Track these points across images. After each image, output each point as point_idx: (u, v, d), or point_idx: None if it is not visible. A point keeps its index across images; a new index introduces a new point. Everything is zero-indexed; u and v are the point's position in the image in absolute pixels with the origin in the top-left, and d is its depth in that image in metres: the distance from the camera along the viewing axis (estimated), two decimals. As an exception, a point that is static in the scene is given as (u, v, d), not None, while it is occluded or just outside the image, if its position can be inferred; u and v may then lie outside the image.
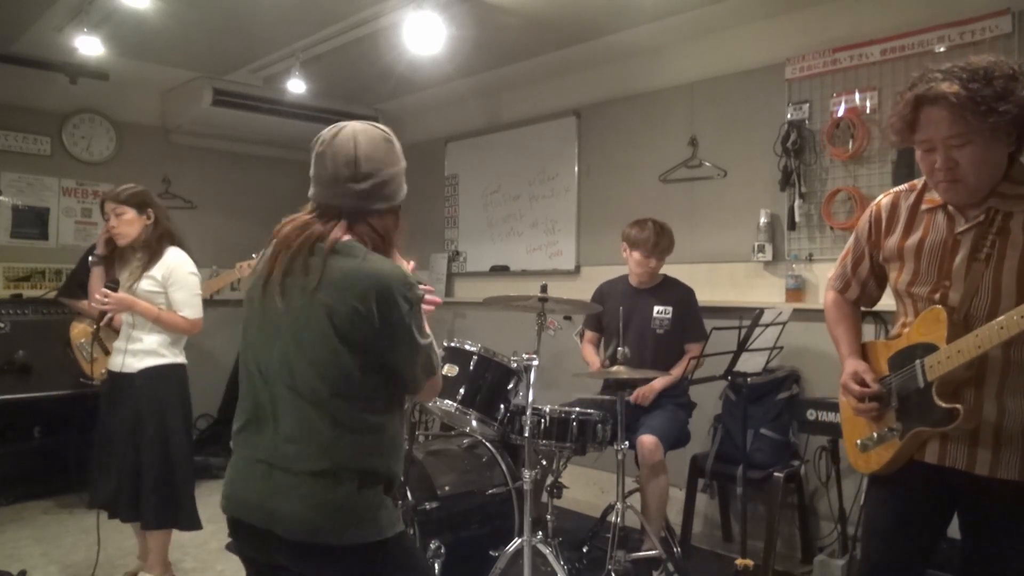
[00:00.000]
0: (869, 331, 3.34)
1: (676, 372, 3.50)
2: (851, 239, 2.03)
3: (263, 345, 1.65)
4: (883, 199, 1.94)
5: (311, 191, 1.70)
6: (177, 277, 3.09)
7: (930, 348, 1.73)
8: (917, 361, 1.76)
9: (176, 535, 3.42)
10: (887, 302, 2.08)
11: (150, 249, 3.10)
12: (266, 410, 1.64)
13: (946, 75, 1.63)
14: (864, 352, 1.98)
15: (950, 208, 1.77)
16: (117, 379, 3.13)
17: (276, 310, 1.61)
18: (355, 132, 1.66)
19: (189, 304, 3.11)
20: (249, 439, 1.67)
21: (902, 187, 1.92)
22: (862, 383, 1.87)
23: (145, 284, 3.06)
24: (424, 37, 3.84)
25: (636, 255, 3.59)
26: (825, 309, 2.11)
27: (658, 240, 3.57)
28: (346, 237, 1.64)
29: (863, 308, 2.10)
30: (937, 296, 1.76)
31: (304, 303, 1.58)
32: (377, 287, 1.56)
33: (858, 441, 1.92)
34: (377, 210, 1.67)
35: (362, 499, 1.60)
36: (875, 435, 1.87)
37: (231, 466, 1.71)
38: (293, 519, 1.57)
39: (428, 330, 1.69)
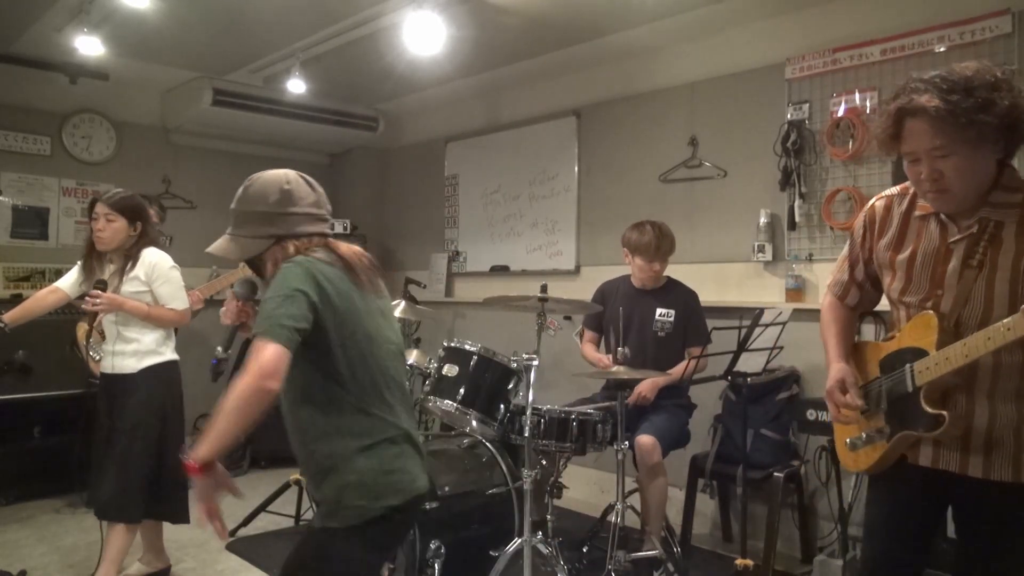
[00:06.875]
0: (869, 331, 3.34)
1: (676, 371, 3.45)
2: (847, 243, 2.03)
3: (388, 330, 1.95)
4: (877, 202, 1.93)
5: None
6: (160, 273, 3.13)
7: (920, 353, 1.74)
8: (907, 365, 1.76)
9: (177, 535, 3.41)
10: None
11: (127, 256, 3.15)
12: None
13: (927, 86, 1.62)
14: (857, 351, 1.98)
15: (943, 216, 1.77)
16: (117, 380, 3.14)
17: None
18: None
19: (176, 297, 3.17)
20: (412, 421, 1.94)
21: (894, 190, 1.91)
22: (844, 393, 1.87)
23: (129, 287, 3.10)
24: (424, 37, 3.84)
25: (639, 260, 3.55)
26: (821, 312, 2.10)
27: (660, 243, 3.52)
28: None
29: (863, 311, 2.10)
30: (929, 304, 1.76)
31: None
32: None
33: (847, 440, 1.94)
34: None
35: None
36: (863, 435, 1.88)
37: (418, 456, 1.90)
38: None
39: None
